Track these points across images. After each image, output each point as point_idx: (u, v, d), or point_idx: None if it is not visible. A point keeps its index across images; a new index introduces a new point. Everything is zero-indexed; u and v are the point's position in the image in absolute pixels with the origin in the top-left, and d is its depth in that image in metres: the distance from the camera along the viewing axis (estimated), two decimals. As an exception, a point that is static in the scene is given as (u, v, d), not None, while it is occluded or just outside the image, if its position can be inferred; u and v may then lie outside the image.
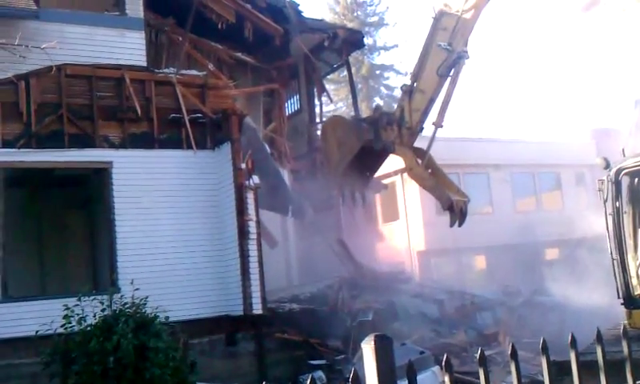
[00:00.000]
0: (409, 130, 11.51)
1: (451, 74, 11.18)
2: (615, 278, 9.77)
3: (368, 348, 2.71)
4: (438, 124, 11.49)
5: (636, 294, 9.67)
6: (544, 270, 27.11)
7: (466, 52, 10.86)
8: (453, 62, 10.98)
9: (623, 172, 9.92)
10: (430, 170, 11.95)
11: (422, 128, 11.57)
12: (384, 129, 11.84)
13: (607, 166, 9.90)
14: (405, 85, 11.42)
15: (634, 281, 9.76)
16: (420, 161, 11.56)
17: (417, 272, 25.93)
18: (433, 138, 11.71)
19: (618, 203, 9.80)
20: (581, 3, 8.83)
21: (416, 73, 11.26)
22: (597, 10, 8.72)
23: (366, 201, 14.71)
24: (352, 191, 13.59)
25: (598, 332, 3.07)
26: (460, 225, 12.34)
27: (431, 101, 11.38)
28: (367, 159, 12.62)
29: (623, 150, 10.27)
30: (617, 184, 9.85)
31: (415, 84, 11.38)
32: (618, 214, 9.86)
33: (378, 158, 12.77)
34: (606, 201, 9.78)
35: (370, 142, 11.98)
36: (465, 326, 16.19)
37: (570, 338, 2.97)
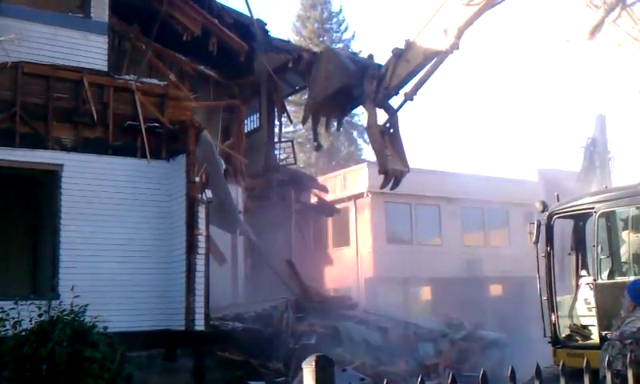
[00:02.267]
0: (385, 90, 11.51)
1: (435, 59, 11.24)
2: (543, 317, 10.11)
3: (308, 369, 2.72)
4: (409, 96, 11.52)
5: (563, 335, 10.00)
6: (487, 306, 27.59)
7: (456, 45, 10.89)
8: (439, 48, 11.03)
9: (555, 216, 10.31)
10: (389, 131, 11.86)
11: (397, 93, 11.58)
12: (367, 79, 11.81)
13: (544, 210, 10.27)
14: (397, 48, 11.40)
15: (566, 321, 10.09)
16: (380, 123, 11.57)
17: (363, 298, 26.05)
18: (400, 107, 11.75)
19: (548, 246, 10.18)
20: (586, 28, 9.10)
21: (409, 42, 11.29)
22: (600, 36, 9.03)
23: (339, 129, 14.74)
24: (327, 120, 13.46)
25: (537, 367, 3.15)
26: (392, 189, 12.38)
27: (412, 72, 11.41)
28: (342, 99, 12.57)
29: (558, 196, 10.65)
30: (549, 227, 10.23)
31: (404, 52, 11.38)
32: (548, 257, 10.24)
33: (351, 102, 12.75)
34: (536, 243, 10.15)
35: (351, 87, 11.93)
36: (406, 356, 16.32)
37: (509, 371, 3.04)
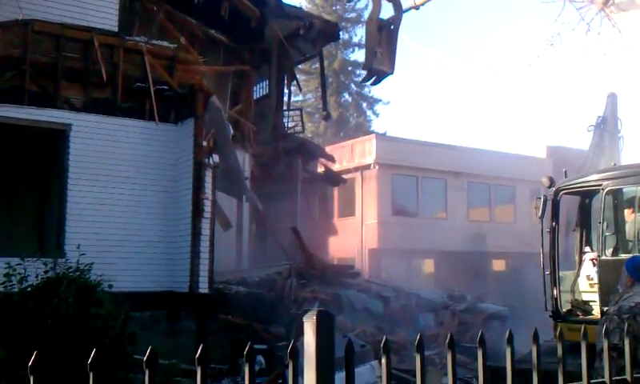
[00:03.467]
0: None
1: None
2: (545, 291, 10.18)
3: (309, 322, 2.74)
4: (416, 5, 11.18)
5: (564, 309, 10.07)
6: (490, 280, 27.70)
7: None
8: None
9: (562, 192, 10.32)
10: (389, 27, 11.53)
11: None
12: None
13: (551, 186, 10.27)
14: None
15: (567, 296, 10.15)
16: (382, 18, 11.26)
17: (366, 269, 26.19)
18: (407, 10, 11.43)
19: (554, 221, 10.20)
20: None
21: None
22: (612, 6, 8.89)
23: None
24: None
25: (535, 332, 3.17)
26: (371, 85, 12.19)
27: None
28: None
29: (565, 172, 10.63)
30: (555, 203, 10.25)
31: None
32: (553, 232, 10.27)
33: None
34: (541, 218, 10.17)
35: None
36: (407, 325, 16.45)
37: (507, 334, 3.05)
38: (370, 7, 11.11)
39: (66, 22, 12.89)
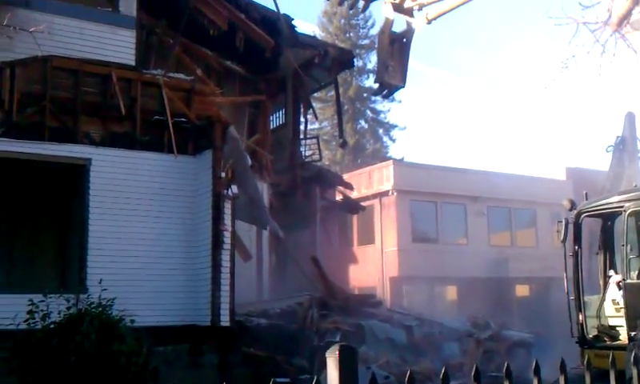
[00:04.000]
0: (412, 0, 10.94)
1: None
2: (570, 317, 9.95)
3: (332, 358, 2.66)
4: (429, 19, 10.91)
5: (590, 335, 9.82)
6: (514, 306, 27.31)
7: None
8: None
9: (583, 215, 10.13)
10: (401, 40, 11.33)
11: (420, 9, 10.89)
12: None
13: (572, 209, 10.09)
14: None
15: (593, 321, 9.92)
16: (394, 32, 11.05)
17: (388, 297, 25.94)
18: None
19: (576, 245, 10.01)
20: (614, 18, 8.80)
21: None
22: (628, 26, 8.76)
23: (365, 11, 13.67)
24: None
25: (562, 362, 3.08)
26: (383, 98, 12.05)
27: None
28: None
29: (586, 194, 10.45)
30: (577, 226, 10.06)
31: None
32: (576, 256, 10.07)
33: None
34: (564, 242, 9.98)
35: None
36: (431, 355, 16.19)
37: (533, 364, 2.97)
38: (382, 20, 11.05)
39: (85, 58, 13.00)
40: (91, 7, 13.73)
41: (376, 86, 11.74)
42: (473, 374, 2.82)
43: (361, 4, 12.61)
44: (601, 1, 8.68)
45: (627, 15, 8.86)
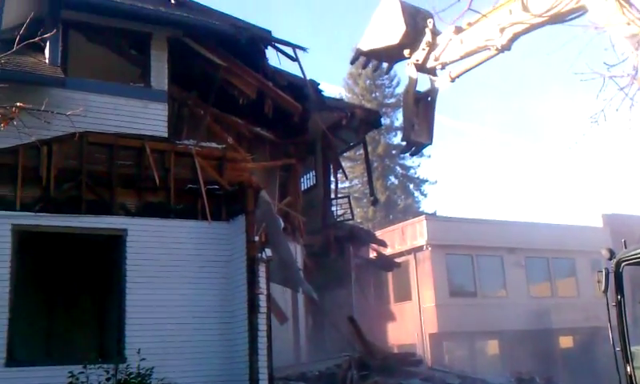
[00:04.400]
0: (434, 61, 10.88)
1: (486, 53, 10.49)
2: (617, 369, 9.65)
3: None
4: (453, 78, 10.77)
5: (640, 387, 9.49)
6: (558, 358, 26.56)
7: (508, 47, 10.24)
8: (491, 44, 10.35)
9: (624, 263, 9.92)
10: (426, 99, 11.25)
11: (443, 68, 10.79)
12: (420, 44, 11.07)
13: (611, 257, 9.90)
14: (459, 26, 10.60)
15: (640, 373, 9.60)
16: (418, 91, 10.97)
17: (428, 354, 25.47)
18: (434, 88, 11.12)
19: (619, 294, 9.77)
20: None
21: (469, 24, 10.54)
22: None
23: (389, 72, 13.48)
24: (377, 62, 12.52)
25: None
26: (410, 155, 11.89)
27: (462, 56, 10.69)
28: (391, 51, 11.80)
29: (625, 242, 10.25)
30: (617, 275, 9.85)
31: (462, 32, 10.61)
32: (619, 305, 9.82)
33: (398, 58, 11.90)
34: (605, 292, 9.75)
35: (403, 46, 11.14)
36: (476, 413, 15.79)
37: None
38: (407, 80, 11.17)
39: (119, 132, 13.38)
40: (124, 84, 14.21)
41: (404, 144, 11.87)
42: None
43: (384, 66, 12.85)
44: (627, 58, 8.67)
45: None
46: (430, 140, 11.27)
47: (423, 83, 11.22)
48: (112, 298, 13.66)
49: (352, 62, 12.78)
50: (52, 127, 11.54)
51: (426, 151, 50.39)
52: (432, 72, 11.27)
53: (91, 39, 14.36)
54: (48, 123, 9.23)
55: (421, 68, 11.13)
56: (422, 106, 11.20)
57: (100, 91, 13.54)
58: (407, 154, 12.11)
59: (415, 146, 11.30)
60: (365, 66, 13.28)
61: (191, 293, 13.18)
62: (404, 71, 11.64)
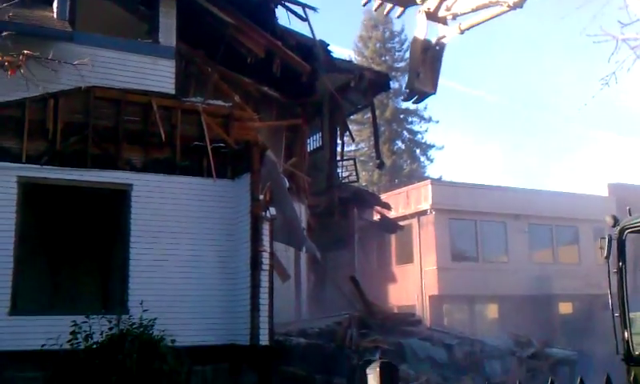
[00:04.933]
0: (445, 10, 10.91)
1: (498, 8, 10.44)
2: (615, 334, 9.81)
3: (373, 373, 2.78)
4: (462, 30, 10.77)
5: (637, 352, 9.66)
6: (557, 324, 26.85)
7: (520, 4, 10.17)
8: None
9: (627, 231, 10.01)
10: (434, 48, 11.28)
11: (454, 18, 10.82)
12: None
13: (615, 225, 9.99)
14: None
15: (638, 338, 9.76)
16: (427, 39, 10.98)
17: (428, 316, 25.79)
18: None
19: (620, 261, 9.88)
20: None
21: None
22: None
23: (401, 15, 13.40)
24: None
25: (608, 378, 3.12)
26: (413, 103, 12.00)
27: (475, 9, 10.68)
28: None
29: (629, 210, 10.33)
30: (620, 242, 9.94)
31: None
32: (620, 272, 9.94)
33: (410, 3, 11.92)
34: (607, 258, 9.86)
35: None
36: (473, 373, 16.06)
37: (578, 381, 3.00)
38: (416, 27, 11.09)
39: (126, 88, 13.44)
40: (132, 39, 14.21)
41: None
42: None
43: (397, 11, 12.73)
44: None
45: None
46: (434, 89, 11.23)
47: (433, 34, 11.14)
48: (116, 252, 13.89)
49: (364, 4, 12.66)
50: (59, 81, 11.61)
51: (434, 116, 50.25)
52: (443, 21, 11.17)
53: (99, -6, 14.34)
54: (55, 72, 9.26)
55: (431, 16, 11.03)
56: (429, 55, 11.13)
57: (108, 46, 13.54)
58: (410, 102, 12.09)
59: (418, 95, 11.28)
60: (377, 9, 13.16)
61: (194, 248, 13.36)
62: (415, 19, 11.55)
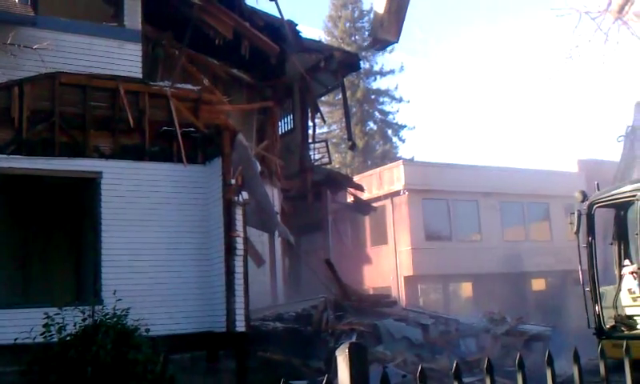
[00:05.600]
0: None
1: None
2: (586, 309, 9.93)
3: (342, 356, 2.69)
4: None
5: (607, 326, 9.80)
6: (530, 300, 27.20)
7: None
8: None
9: (595, 205, 10.12)
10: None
11: None
12: None
13: (584, 200, 10.09)
14: None
15: (610, 312, 9.90)
16: None
17: (403, 296, 25.93)
18: None
19: (590, 236, 10.00)
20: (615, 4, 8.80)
21: None
22: (630, 12, 8.73)
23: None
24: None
25: (575, 352, 3.10)
26: (375, 50, 12.09)
27: None
28: None
29: (597, 185, 10.44)
30: (589, 217, 10.05)
31: None
32: (590, 246, 10.06)
33: None
34: (577, 233, 9.96)
35: None
36: (448, 352, 16.18)
37: (546, 356, 2.98)
38: None
39: (92, 73, 13.15)
40: (97, 23, 13.89)
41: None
42: (485, 366, 2.85)
43: None
44: None
45: (627, 1, 8.85)
46: (396, 38, 11.19)
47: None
48: (88, 241, 13.65)
49: None
50: (23, 68, 11.32)
51: (404, 95, 50.31)
52: None
53: (62, -24, 13.97)
54: (14, 57, 8.98)
55: None
56: (393, 4, 11.09)
57: (72, 31, 13.24)
58: (373, 50, 12.08)
59: (381, 43, 11.28)
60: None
61: (167, 235, 13.19)
62: None
